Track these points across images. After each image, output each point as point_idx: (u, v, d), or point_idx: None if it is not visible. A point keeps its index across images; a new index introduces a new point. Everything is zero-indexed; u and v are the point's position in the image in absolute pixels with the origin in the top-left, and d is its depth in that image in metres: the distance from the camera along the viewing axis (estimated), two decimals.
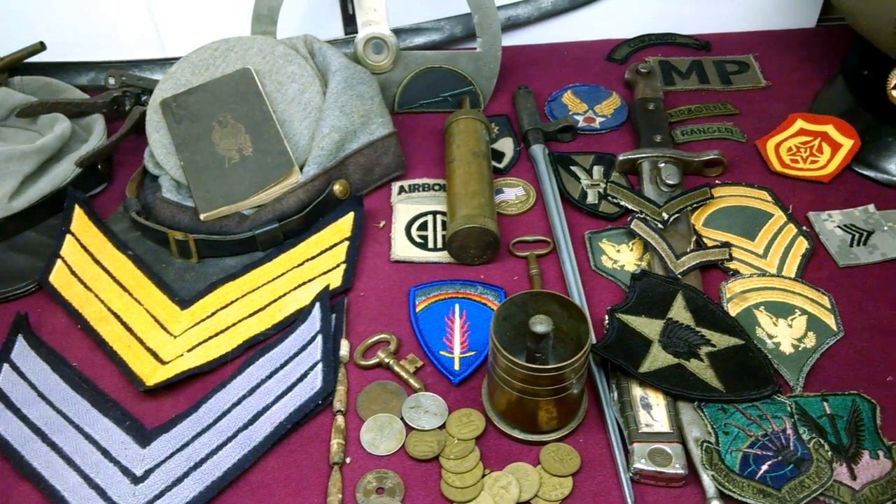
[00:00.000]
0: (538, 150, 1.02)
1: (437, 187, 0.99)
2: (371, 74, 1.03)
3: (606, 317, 0.81)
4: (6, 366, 0.81)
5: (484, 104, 1.12)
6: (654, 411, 0.74)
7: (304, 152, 0.96)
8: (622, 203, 0.95)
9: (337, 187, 0.95)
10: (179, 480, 0.72)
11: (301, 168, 0.94)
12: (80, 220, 0.95)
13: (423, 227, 0.94)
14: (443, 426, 0.75)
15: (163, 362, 0.81)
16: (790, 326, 0.82)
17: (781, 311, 0.84)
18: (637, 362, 0.77)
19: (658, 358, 0.77)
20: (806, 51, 1.20)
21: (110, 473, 0.73)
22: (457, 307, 0.85)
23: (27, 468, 0.72)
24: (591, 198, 0.97)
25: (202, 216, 0.91)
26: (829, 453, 0.71)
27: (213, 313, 0.86)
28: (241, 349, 0.82)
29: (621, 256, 0.91)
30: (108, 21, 1.18)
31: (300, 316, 0.84)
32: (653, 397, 0.75)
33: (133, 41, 1.19)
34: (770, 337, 0.81)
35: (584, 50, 1.23)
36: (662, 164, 0.96)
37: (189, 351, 0.83)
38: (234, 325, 0.85)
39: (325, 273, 0.89)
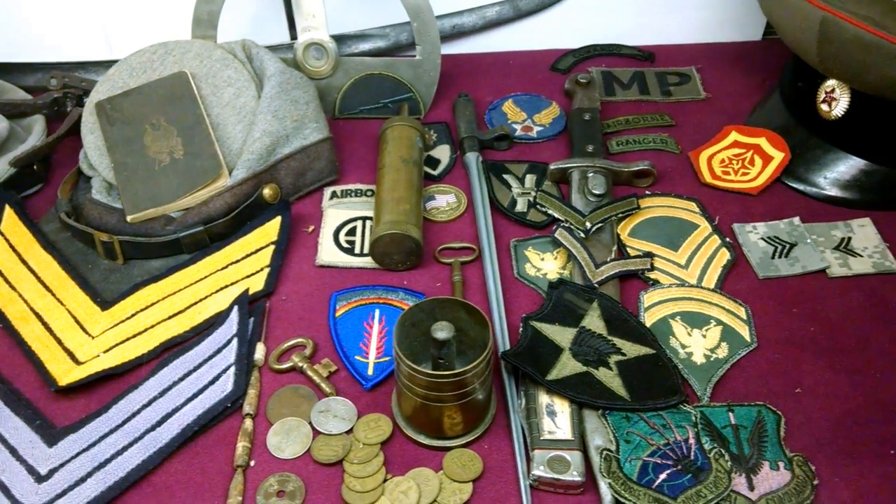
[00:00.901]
0: (472, 158, 1.03)
1: (369, 193, 1.00)
2: (308, 80, 1.04)
3: (521, 324, 0.82)
4: None
5: (424, 111, 1.13)
6: (558, 419, 0.74)
7: (237, 156, 0.97)
8: (549, 212, 0.95)
9: (267, 191, 0.95)
10: (83, 480, 0.72)
11: (231, 172, 0.95)
12: (9, 220, 0.96)
13: (352, 232, 0.95)
14: (350, 431, 0.76)
15: (78, 363, 0.82)
16: (704, 337, 0.83)
17: (697, 321, 0.84)
18: (545, 370, 0.77)
19: (567, 366, 0.78)
20: (749, 64, 1.21)
21: (16, 472, 0.73)
22: (377, 312, 0.86)
23: None
24: (521, 206, 0.98)
25: (129, 218, 0.92)
26: (729, 463, 0.71)
27: (133, 315, 0.86)
28: (157, 351, 0.83)
29: (545, 265, 0.91)
30: (55, 23, 1.18)
31: (218, 319, 0.84)
32: (559, 405, 0.75)
33: (80, 43, 1.20)
34: (683, 347, 0.82)
35: (529, 59, 1.23)
36: (591, 174, 0.97)
37: (106, 352, 0.83)
38: (152, 326, 0.85)
39: (248, 276, 0.89)
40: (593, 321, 0.82)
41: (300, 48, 1.07)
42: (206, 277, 0.89)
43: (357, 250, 0.93)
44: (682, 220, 0.96)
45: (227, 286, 0.88)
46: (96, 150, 0.99)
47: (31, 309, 0.87)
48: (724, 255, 0.91)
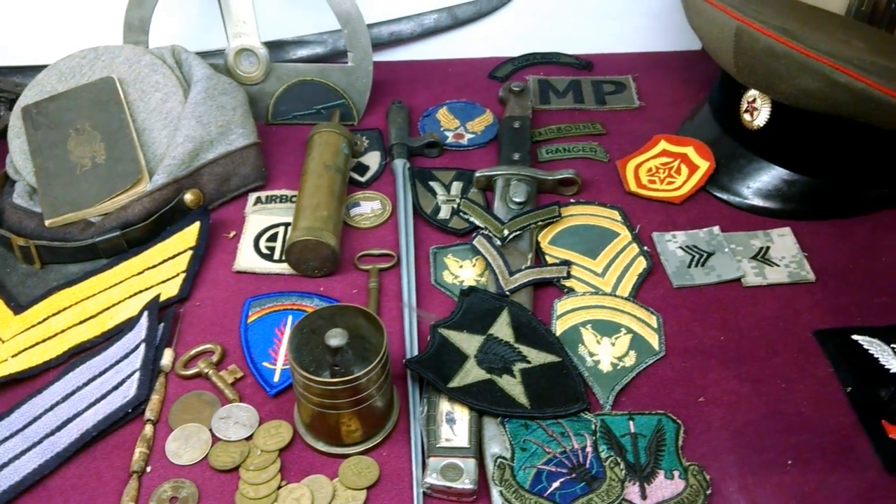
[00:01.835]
0: (399, 165, 1.03)
1: (294, 199, 1.00)
2: (237, 85, 1.04)
3: (430, 331, 0.82)
4: None
5: (358, 118, 1.13)
6: (456, 426, 0.74)
7: (161, 161, 0.97)
8: (471, 219, 0.96)
9: (188, 197, 0.95)
10: None
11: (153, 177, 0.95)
12: None
13: (273, 238, 0.95)
14: (251, 437, 0.75)
15: None
16: (613, 345, 0.83)
17: (607, 329, 0.84)
18: (448, 377, 0.77)
19: (470, 373, 0.78)
20: (687, 73, 1.22)
21: None
22: (289, 319, 0.86)
23: None
24: (444, 213, 0.98)
25: (47, 222, 0.92)
26: (624, 472, 0.71)
27: (45, 319, 0.86)
28: (66, 356, 0.82)
29: (463, 272, 0.91)
30: None
31: (128, 325, 0.84)
32: (459, 412, 0.75)
33: (16, 48, 1.20)
34: (591, 355, 0.82)
35: (468, 67, 1.24)
36: (513, 182, 0.97)
37: (14, 356, 0.83)
38: (63, 331, 0.85)
39: (163, 282, 0.89)
40: (502, 329, 0.82)
41: (231, 54, 1.08)
42: (121, 282, 0.89)
43: (276, 256, 0.93)
44: (603, 228, 0.96)
45: (141, 291, 0.88)
46: (21, 154, 0.99)
47: None
48: (641, 264, 0.91)
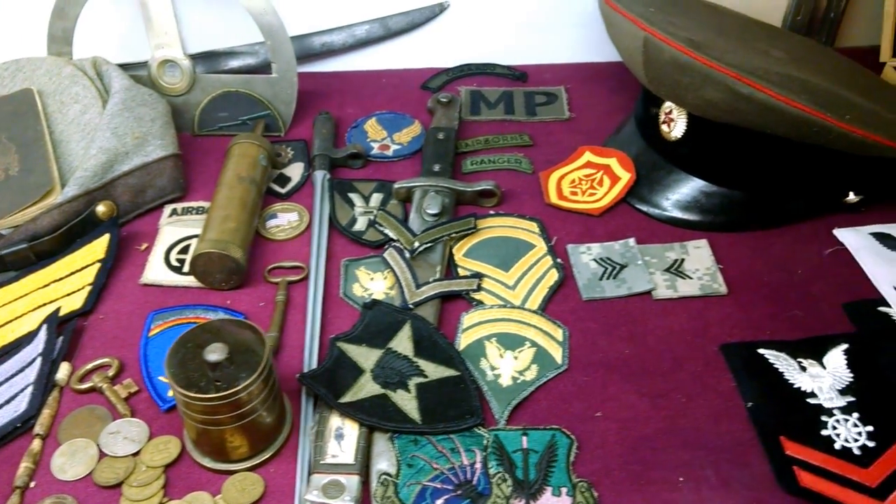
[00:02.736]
0: (318, 176, 1.02)
1: None
2: (158, 96, 1.04)
3: (329, 345, 0.81)
4: None
5: (285, 129, 1.12)
6: (344, 442, 0.73)
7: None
8: (386, 231, 0.95)
9: (101, 208, 0.94)
10: None
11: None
12: None
13: (185, 250, 0.94)
14: (138, 453, 0.74)
15: None
16: (516, 359, 0.82)
17: (512, 343, 0.83)
18: (341, 392, 0.76)
19: (364, 388, 0.77)
20: (619, 84, 1.21)
21: None
22: None
23: None
24: (360, 225, 0.97)
25: None
26: (510, 489, 0.70)
27: None
28: None
29: (373, 285, 0.90)
30: None
31: (27, 338, 0.83)
32: (349, 428, 0.74)
33: None
34: (493, 369, 0.81)
35: (402, 78, 1.23)
36: (430, 194, 0.97)
37: None
38: None
39: (68, 295, 0.88)
40: (402, 343, 0.81)
41: (154, 65, 1.07)
42: (25, 295, 0.88)
43: (186, 269, 0.92)
44: (519, 240, 0.95)
45: (45, 304, 0.87)
46: None
47: None
48: (553, 276, 0.90)
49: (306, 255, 0.94)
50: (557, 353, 0.82)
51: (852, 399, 0.77)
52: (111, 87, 1.01)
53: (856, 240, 0.94)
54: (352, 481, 0.70)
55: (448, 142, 1.06)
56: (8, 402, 0.78)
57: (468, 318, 0.86)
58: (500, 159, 1.07)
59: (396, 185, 1.00)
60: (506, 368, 0.81)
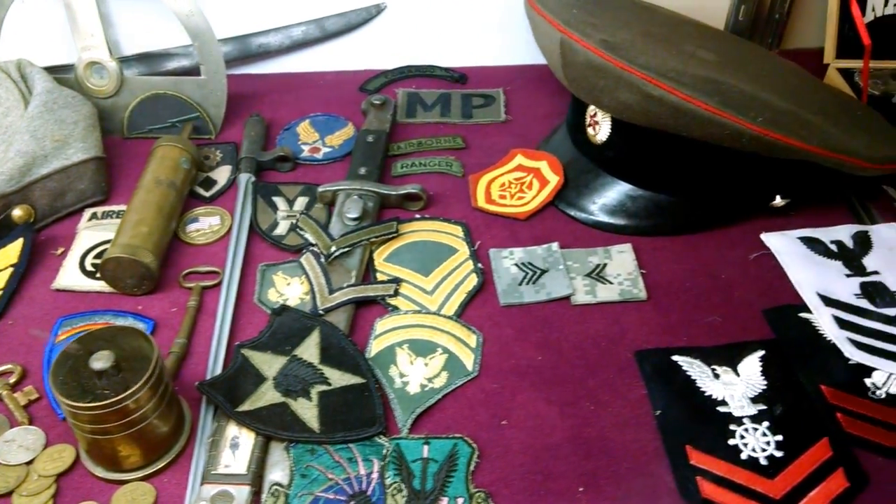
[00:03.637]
0: (243, 179, 1.01)
1: None
2: (83, 99, 1.02)
3: (234, 351, 0.79)
4: None
5: (215, 131, 1.11)
6: (238, 451, 0.72)
7: None
8: (306, 235, 0.93)
9: (17, 212, 0.93)
10: None
11: None
12: None
13: (101, 255, 0.92)
14: (32, 461, 0.73)
15: None
16: (426, 366, 0.81)
17: (424, 349, 0.82)
18: (240, 400, 0.75)
19: (264, 396, 0.75)
20: (560, 87, 1.19)
21: None
22: None
23: None
24: (282, 229, 0.96)
25: None
26: (405, 499, 0.69)
27: None
28: None
29: (289, 290, 0.89)
30: None
31: None
32: (245, 437, 0.73)
33: None
34: (402, 376, 0.80)
35: (340, 80, 1.22)
36: (352, 198, 0.95)
37: None
38: None
39: None
40: (308, 350, 0.80)
41: (80, 67, 1.06)
42: None
43: (99, 274, 0.90)
44: (442, 244, 0.94)
45: None
46: None
47: None
48: (472, 281, 0.89)
49: (224, 259, 0.93)
50: (469, 360, 0.81)
51: (763, 407, 0.76)
52: (34, 89, 0.99)
53: (783, 244, 0.92)
54: (242, 492, 0.69)
55: (378, 144, 1.04)
56: None
57: (381, 324, 0.84)
58: (432, 162, 1.05)
59: (321, 189, 0.98)
60: (415, 376, 0.79)
